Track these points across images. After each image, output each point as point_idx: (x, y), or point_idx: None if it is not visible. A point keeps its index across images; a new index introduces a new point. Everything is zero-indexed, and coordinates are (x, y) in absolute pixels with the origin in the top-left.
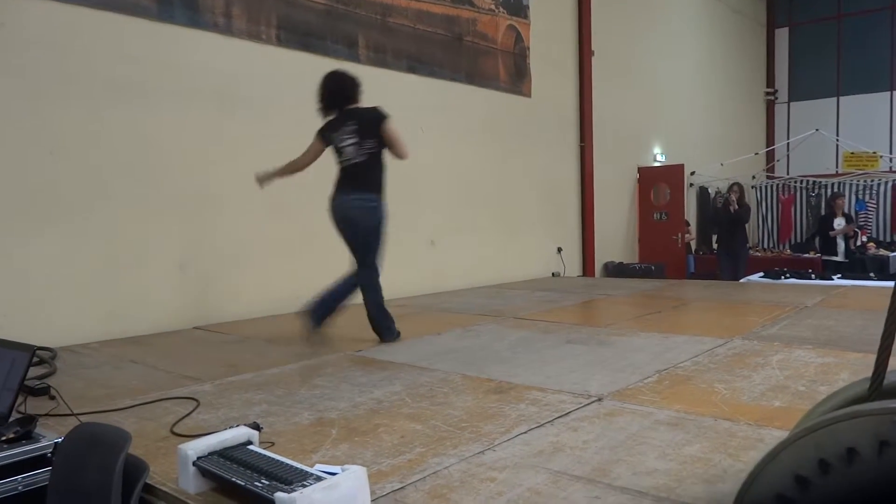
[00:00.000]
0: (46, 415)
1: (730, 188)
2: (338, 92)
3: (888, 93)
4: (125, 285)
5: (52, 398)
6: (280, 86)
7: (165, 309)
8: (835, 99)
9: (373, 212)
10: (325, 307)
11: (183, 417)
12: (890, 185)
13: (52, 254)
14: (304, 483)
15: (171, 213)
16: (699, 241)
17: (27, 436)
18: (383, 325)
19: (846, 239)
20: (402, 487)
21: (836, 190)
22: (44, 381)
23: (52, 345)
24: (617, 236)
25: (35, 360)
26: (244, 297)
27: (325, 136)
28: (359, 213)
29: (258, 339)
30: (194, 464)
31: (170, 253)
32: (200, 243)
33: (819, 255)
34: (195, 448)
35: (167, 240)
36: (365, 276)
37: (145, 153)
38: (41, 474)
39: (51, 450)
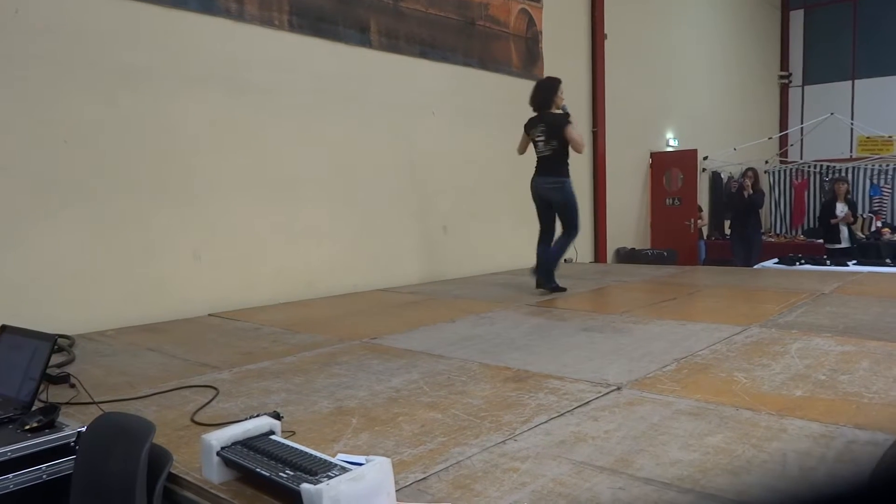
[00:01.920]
0: (68, 403)
1: (744, 173)
2: (535, 96)
3: None
4: (140, 272)
5: (73, 386)
6: (292, 71)
7: (180, 296)
8: (850, 82)
9: (559, 190)
10: (548, 266)
11: (203, 406)
12: None
13: (67, 241)
14: (330, 474)
15: (185, 201)
16: (711, 227)
17: (50, 425)
18: (552, 272)
19: (849, 225)
20: (425, 478)
21: (845, 174)
22: (63, 369)
23: (69, 332)
24: (629, 222)
25: (55, 347)
26: (258, 284)
27: (527, 131)
28: (550, 192)
29: (273, 327)
30: (218, 454)
31: (184, 240)
32: (215, 230)
33: (822, 242)
34: (219, 438)
35: (182, 227)
36: (567, 236)
37: (159, 141)
38: (65, 463)
39: (74, 439)
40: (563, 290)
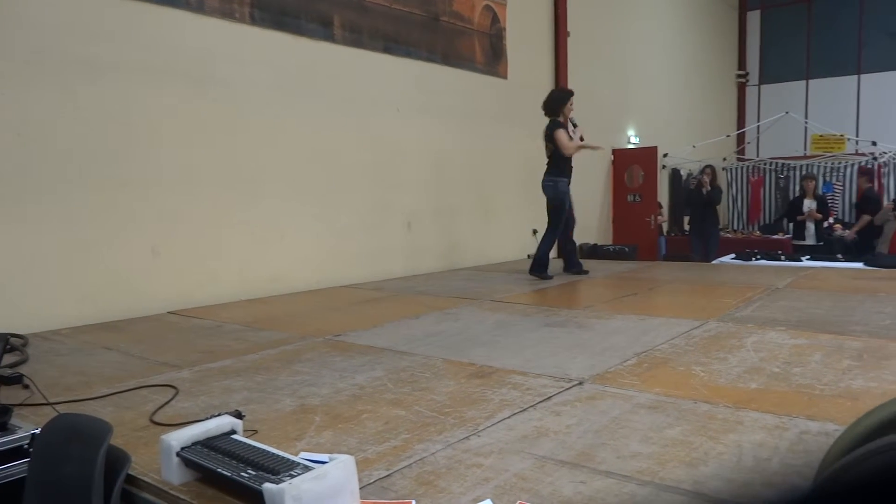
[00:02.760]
0: (21, 404)
1: (703, 170)
2: (545, 104)
3: (855, 76)
4: (97, 269)
5: (26, 387)
6: (254, 65)
7: (139, 293)
8: (804, 82)
9: (551, 188)
10: (539, 258)
11: (162, 406)
12: (856, 167)
13: (20, 238)
14: (292, 473)
15: (143, 195)
16: (671, 223)
17: (2, 427)
18: (543, 264)
19: (816, 222)
20: (388, 475)
21: (804, 172)
22: (16, 369)
23: (23, 331)
24: (591, 218)
25: (6, 347)
26: (219, 280)
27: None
28: (544, 189)
29: (235, 324)
30: (178, 454)
31: (143, 236)
32: (175, 226)
33: (788, 236)
34: (178, 438)
35: (140, 222)
36: (551, 231)
37: (116, 133)
38: (18, 466)
39: (28, 441)
40: (549, 278)
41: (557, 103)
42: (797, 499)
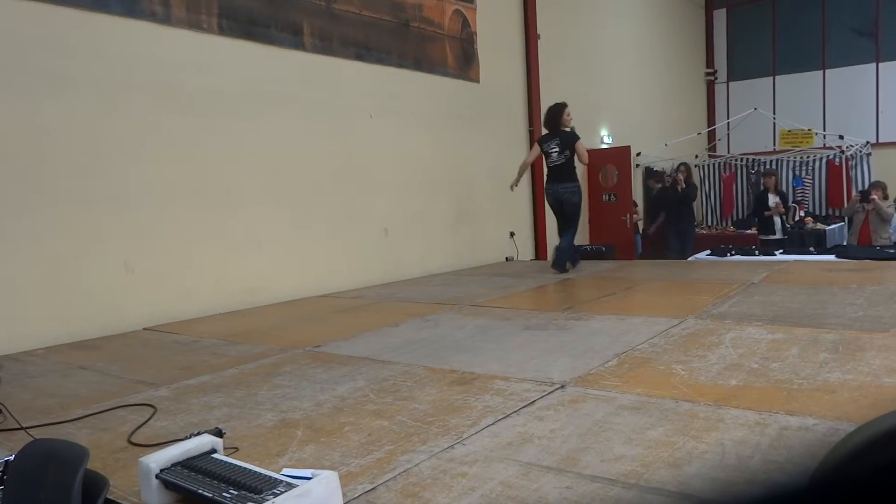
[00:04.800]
0: None
1: (677, 168)
2: (548, 119)
3: (820, 72)
4: (69, 287)
5: None
6: (224, 75)
7: (113, 310)
8: (771, 78)
9: (576, 193)
10: (563, 257)
11: (140, 426)
12: (825, 160)
13: None
14: (275, 491)
15: (113, 211)
16: (646, 222)
17: None
18: (568, 257)
19: (780, 215)
20: (373, 488)
21: (772, 167)
22: None
23: None
24: None
25: None
26: (195, 294)
27: (540, 145)
28: (567, 195)
29: (213, 339)
30: (157, 476)
31: (115, 251)
32: (147, 240)
33: (757, 233)
34: (157, 460)
35: (111, 238)
36: (571, 234)
37: (83, 148)
38: None
39: (1, 468)
40: (566, 271)
41: (559, 115)
42: (783, 497)
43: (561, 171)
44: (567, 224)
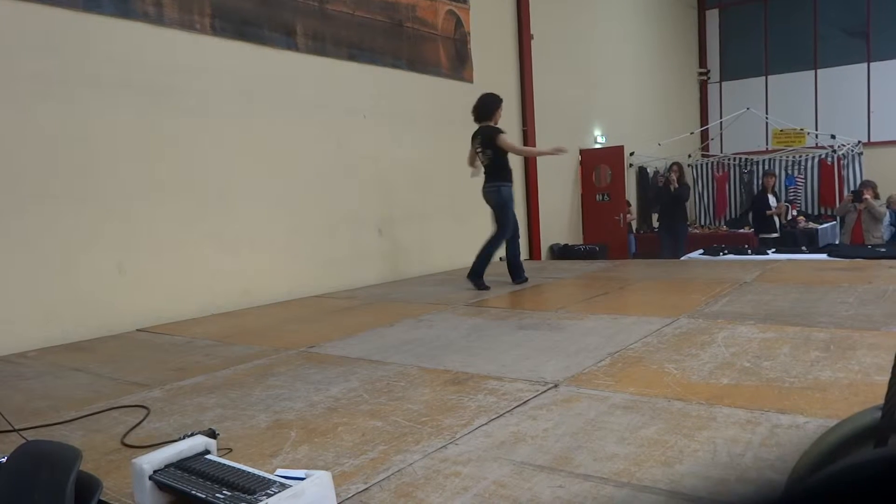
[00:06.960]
0: None
1: (670, 168)
2: (476, 108)
3: (812, 71)
4: (62, 288)
5: None
6: (217, 76)
7: (106, 311)
8: (763, 78)
9: (494, 193)
10: (481, 265)
11: (134, 427)
12: (817, 160)
13: None
14: (268, 492)
15: (106, 211)
16: (639, 221)
17: None
18: (516, 269)
19: (778, 215)
20: (366, 488)
21: (767, 167)
22: None
23: None
24: (561, 218)
25: None
26: (189, 295)
27: (472, 143)
28: (488, 196)
29: (206, 339)
30: (150, 478)
31: (108, 253)
32: (140, 241)
33: (753, 231)
34: (150, 461)
35: (104, 239)
36: (499, 235)
37: (76, 150)
38: None
39: None
40: (486, 288)
41: (491, 107)
42: (774, 496)
43: (487, 170)
44: (497, 227)
